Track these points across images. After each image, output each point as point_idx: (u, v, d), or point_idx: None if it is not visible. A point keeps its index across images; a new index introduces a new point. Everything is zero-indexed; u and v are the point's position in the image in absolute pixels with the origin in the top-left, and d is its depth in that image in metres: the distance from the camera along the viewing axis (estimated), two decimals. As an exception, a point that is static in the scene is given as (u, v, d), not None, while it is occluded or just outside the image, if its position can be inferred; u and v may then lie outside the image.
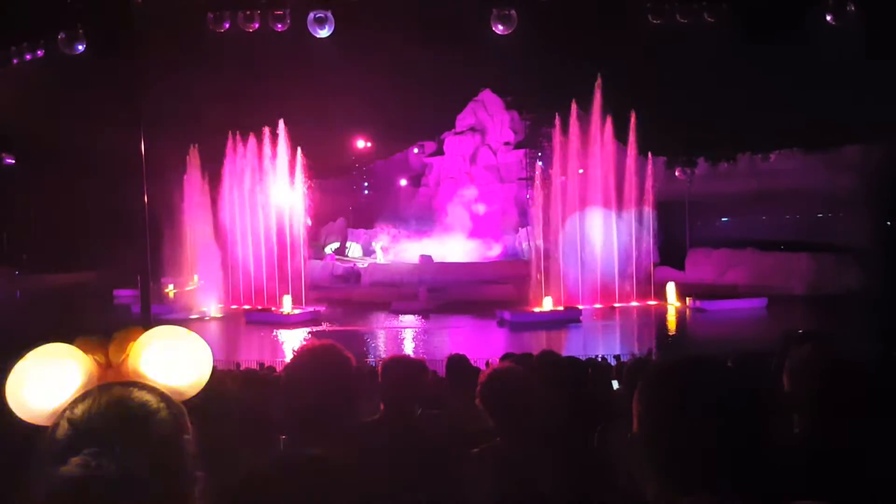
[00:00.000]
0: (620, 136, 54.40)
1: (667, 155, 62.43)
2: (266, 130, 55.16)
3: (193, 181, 56.22)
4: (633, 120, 53.25)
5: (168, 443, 1.53)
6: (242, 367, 19.29)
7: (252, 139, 55.83)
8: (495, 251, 64.98)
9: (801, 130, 57.22)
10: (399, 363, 3.99)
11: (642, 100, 53.03)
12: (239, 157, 56.17)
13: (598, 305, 48.54)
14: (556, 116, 56.16)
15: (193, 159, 56.27)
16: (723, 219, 63.51)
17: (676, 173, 61.53)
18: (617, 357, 19.15)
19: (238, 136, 56.15)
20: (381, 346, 35.94)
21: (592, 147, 54.13)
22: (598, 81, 53.40)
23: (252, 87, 61.51)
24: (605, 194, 53.16)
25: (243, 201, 55.62)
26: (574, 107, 54.19)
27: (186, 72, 50.09)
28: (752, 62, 53.93)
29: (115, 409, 1.52)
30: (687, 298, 46.50)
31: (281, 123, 55.28)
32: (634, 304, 49.20)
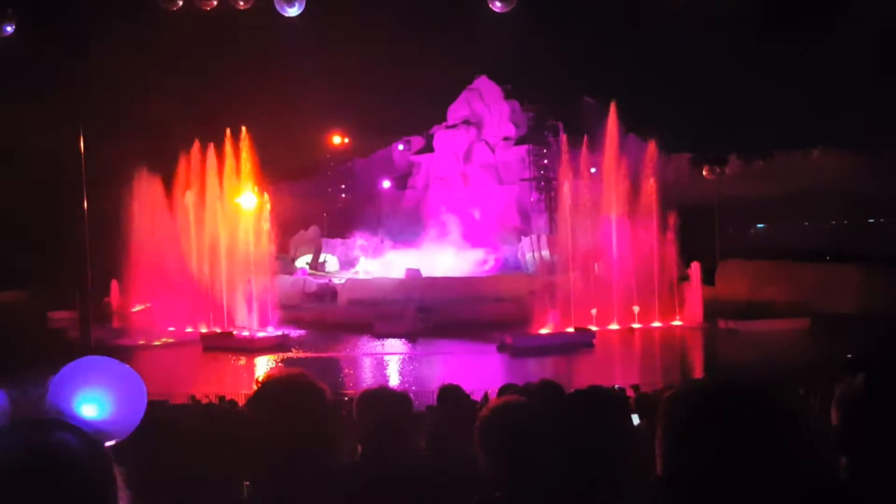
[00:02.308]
0: (638, 129, 54.85)
1: (693, 151, 62.82)
2: (225, 130, 55.19)
3: (142, 188, 56.06)
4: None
5: (90, 495, 1.49)
6: (199, 401, 19.18)
7: (208, 137, 55.83)
8: (493, 264, 65.04)
9: (848, 125, 57.70)
10: (380, 396, 3.96)
11: (664, 88, 53.48)
12: (194, 160, 56.12)
13: (614, 327, 48.54)
14: (564, 107, 56.35)
15: (142, 164, 56.21)
16: (758, 225, 63.81)
17: (704, 173, 61.77)
18: (635, 387, 19.13)
19: (192, 135, 56.13)
20: (361, 376, 35.78)
21: (607, 143, 54.35)
22: (613, 107, 53.76)
23: (210, 76, 61.64)
24: (622, 197, 53.33)
25: (199, 210, 55.50)
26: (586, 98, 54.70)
27: (135, 62, 50.14)
28: (791, 49, 54.45)
29: (27, 454, 1.48)
30: (717, 318, 46.49)
31: (241, 126, 55.42)
32: (656, 324, 49.22)
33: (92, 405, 1.66)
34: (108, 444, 1.68)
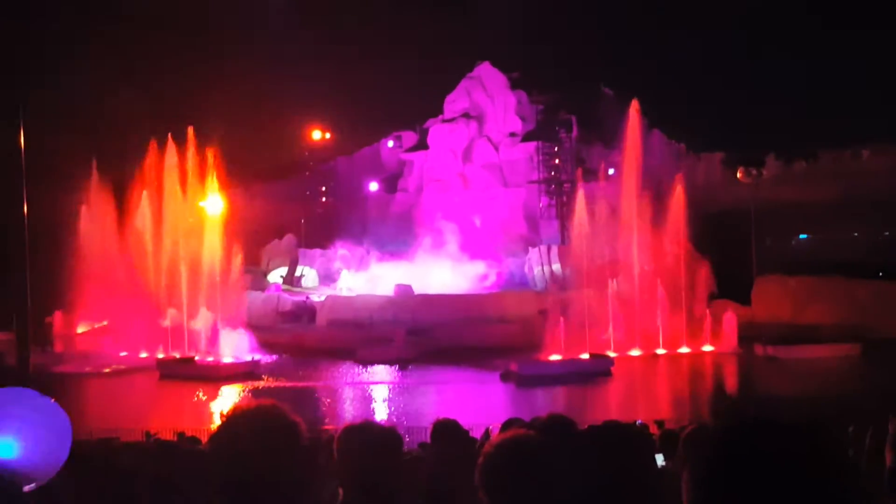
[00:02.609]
0: (663, 124, 54.98)
1: (726, 150, 63.02)
2: (187, 125, 55.27)
3: (92, 191, 55.99)
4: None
5: None
6: (154, 437, 19.14)
7: (169, 134, 55.91)
8: (495, 279, 65.05)
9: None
10: (364, 433, 3.96)
11: (693, 79, 53.69)
12: (151, 159, 56.14)
13: (635, 353, 48.53)
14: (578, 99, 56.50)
15: (92, 163, 56.25)
16: (800, 235, 63.90)
17: (738, 175, 61.95)
18: (660, 423, 19.11)
19: (149, 131, 56.25)
20: (343, 410, 35.74)
21: (628, 141, 54.48)
22: (635, 103, 53.99)
23: (172, 61, 61.69)
24: (646, 203, 53.43)
25: (156, 216, 55.49)
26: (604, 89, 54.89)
27: (86, 46, 50.36)
28: (839, 38, 54.74)
29: None
30: (754, 343, 46.48)
31: (206, 120, 55.60)
32: (684, 350, 49.22)
33: (6, 444, 1.65)
34: (27, 488, 1.67)
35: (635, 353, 48.62)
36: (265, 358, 47.65)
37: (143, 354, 50.94)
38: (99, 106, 53.71)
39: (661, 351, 49.03)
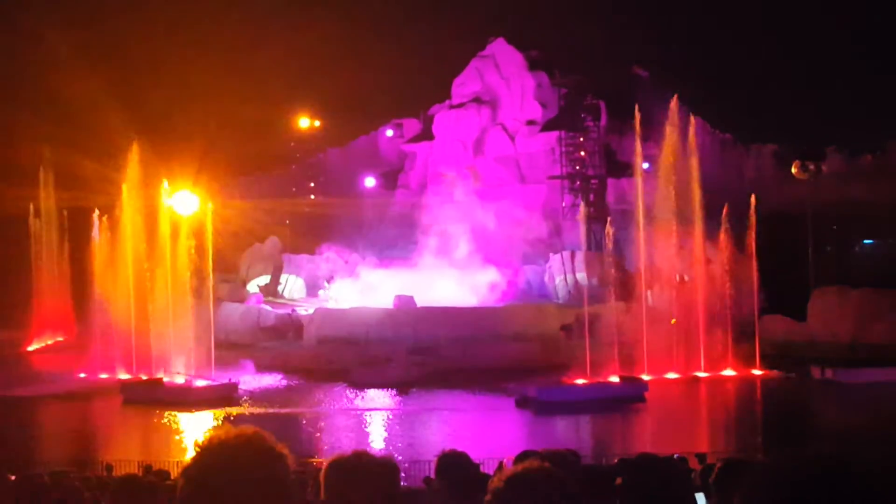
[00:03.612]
0: (705, 112, 54.73)
1: (779, 143, 62.88)
2: (155, 112, 55.53)
3: (47, 189, 56.29)
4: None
5: None
6: (116, 472, 19.18)
7: (136, 122, 56.20)
8: (506, 287, 64.94)
9: None
10: (357, 466, 3.97)
11: (741, 58, 53.58)
12: (114, 152, 56.39)
13: (672, 376, 48.46)
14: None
15: (47, 158, 56.56)
16: (865, 241, 63.74)
17: (794, 170, 61.89)
18: (701, 457, 19.11)
19: (113, 120, 56.43)
20: (334, 439, 35.74)
21: (667, 131, 54.46)
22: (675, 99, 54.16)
23: (136, 34, 61.73)
24: (686, 203, 53.39)
25: (118, 217, 55.61)
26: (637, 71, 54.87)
27: (43, 28, 50.52)
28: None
29: None
30: (810, 365, 46.33)
31: (176, 107, 55.88)
32: (728, 373, 49.14)
33: None
34: None
35: (672, 375, 48.51)
36: (244, 379, 47.60)
37: (104, 375, 51.02)
38: (56, 94, 53.95)
39: (702, 374, 48.89)
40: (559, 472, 3.73)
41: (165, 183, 53.68)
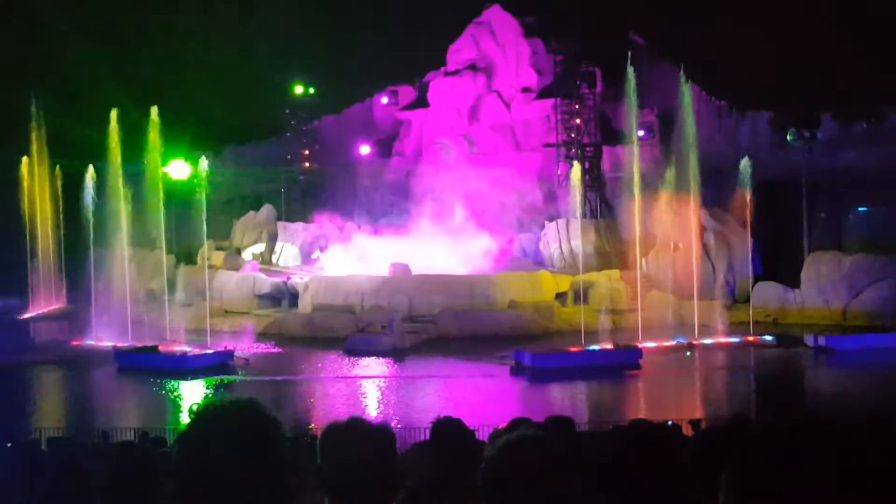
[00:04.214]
0: (699, 77, 54.52)
1: (773, 109, 62.70)
2: (144, 77, 55.25)
3: (37, 153, 56.05)
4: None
5: None
6: (113, 439, 19.27)
7: (125, 90, 55.91)
8: (496, 252, 64.88)
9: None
10: (353, 432, 3.98)
11: (734, 22, 53.29)
12: (104, 120, 56.16)
13: (669, 343, 48.59)
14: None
15: (36, 119, 56.24)
16: (859, 208, 63.77)
17: (788, 137, 61.84)
18: (695, 423, 19.22)
19: (102, 86, 56.19)
20: (330, 406, 35.85)
21: (655, 99, 54.41)
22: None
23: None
24: (681, 171, 53.35)
25: (111, 183, 55.50)
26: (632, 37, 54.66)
27: None
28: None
29: None
30: (805, 332, 46.50)
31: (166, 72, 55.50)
32: (722, 340, 49.28)
33: None
34: None
35: (668, 343, 48.64)
36: (240, 347, 47.69)
37: (96, 343, 51.04)
38: (44, 53, 53.67)
39: (696, 341, 49.04)
40: (552, 439, 3.73)
41: (160, 150, 53.57)
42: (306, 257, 68.24)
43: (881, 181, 57.83)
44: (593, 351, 44.09)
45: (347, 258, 64.91)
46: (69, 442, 16.76)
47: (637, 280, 51.10)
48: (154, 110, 52.63)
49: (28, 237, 56.35)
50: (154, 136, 53.16)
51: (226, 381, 40.80)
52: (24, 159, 57.87)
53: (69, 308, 54.23)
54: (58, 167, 57.54)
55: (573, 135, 69.97)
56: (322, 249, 67.55)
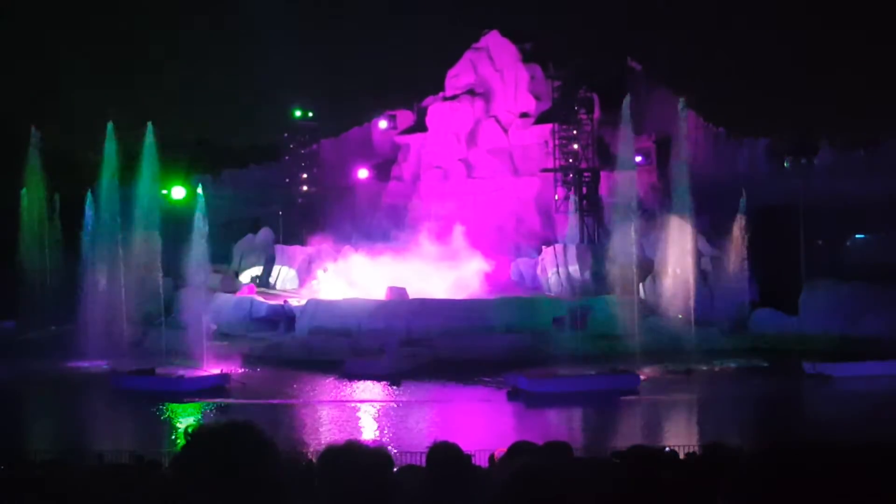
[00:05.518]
0: (697, 104, 54.73)
1: (770, 136, 63.06)
2: (144, 101, 55.47)
3: (34, 176, 56.26)
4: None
5: None
6: (107, 460, 19.16)
7: (125, 111, 56.16)
8: (490, 269, 64.91)
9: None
10: (349, 455, 3.96)
11: (732, 53, 53.52)
12: (105, 141, 56.38)
13: (665, 368, 48.56)
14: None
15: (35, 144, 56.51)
16: (856, 235, 63.92)
17: (786, 164, 62.07)
18: (691, 455, 19.19)
19: (101, 107, 56.47)
20: (326, 430, 35.78)
21: (652, 125, 54.59)
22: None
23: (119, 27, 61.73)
24: (679, 197, 53.47)
25: (110, 205, 55.63)
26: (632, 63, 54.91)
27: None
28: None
29: None
30: (801, 359, 46.47)
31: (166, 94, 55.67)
32: (717, 364, 49.26)
33: None
34: None
35: (666, 368, 48.60)
36: (237, 371, 47.62)
37: (90, 365, 50.98)
38: (42, 70, 54.04)
39: (693, 367, 49.00)
40: (561, 464, 3.72)
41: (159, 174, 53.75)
42: (304, 280, 68.21)
43: (878, 209, 58.06)
44: (590, 376, 44.04)
45: (342, 282, 64.97)
46: (64, 465, 16.69)
47: (635, 305, 51.09)
48: (150, 129, 52.81)
49: (24, 258, 56.26)
50: (152, 158, 53.30)
51: (222, 404, 40.70)
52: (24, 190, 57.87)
53: (65, 329, 54.02)
54: (56, 196, 57.55)
55: (571, 160, 70.09)
56: (325, 270, 67.61)
